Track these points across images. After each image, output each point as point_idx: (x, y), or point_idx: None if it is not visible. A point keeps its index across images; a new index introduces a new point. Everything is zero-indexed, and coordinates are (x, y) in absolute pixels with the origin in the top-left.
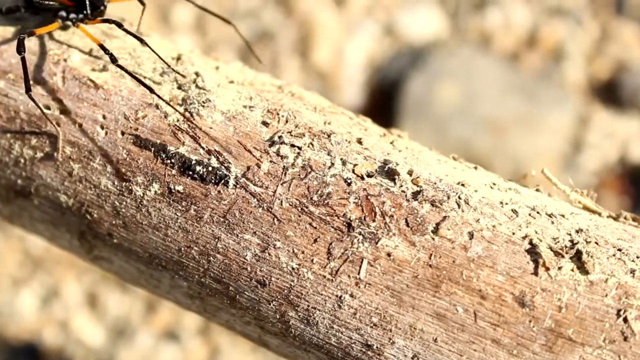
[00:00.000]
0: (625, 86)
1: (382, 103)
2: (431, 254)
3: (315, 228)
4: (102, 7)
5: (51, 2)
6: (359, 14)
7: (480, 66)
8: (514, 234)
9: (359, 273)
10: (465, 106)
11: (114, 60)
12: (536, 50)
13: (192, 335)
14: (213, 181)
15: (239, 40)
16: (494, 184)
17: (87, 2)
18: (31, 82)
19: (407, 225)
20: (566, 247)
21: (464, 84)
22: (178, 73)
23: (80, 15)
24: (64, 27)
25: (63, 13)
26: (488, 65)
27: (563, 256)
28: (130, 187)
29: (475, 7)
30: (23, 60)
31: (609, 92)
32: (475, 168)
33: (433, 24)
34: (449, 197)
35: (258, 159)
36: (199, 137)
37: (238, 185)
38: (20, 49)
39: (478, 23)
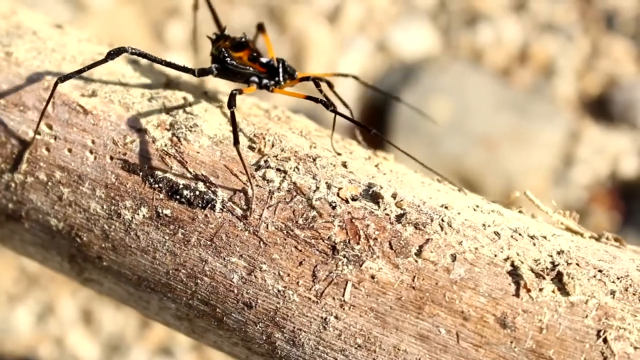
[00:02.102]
0: (616, 101)
1: (375, 119)
2: (414, 276)
3: (301, 251)
4: (295, 75)
5: (245, 68)
6: (351, 30)
7: (472, 82)
8: (496, 256)
9: (343, 295)
10: (457, 122)
11: (328, 105)
12: (527, 66)
13: (186, 351)
14: (200, 205)
15: None
16: (477, 206)
17: (281, 72)
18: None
19: (391, 247)
20: (547, 268)
21: (456, 99)
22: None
23: (272, 82)
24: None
25: (255, 78)
26: (479, 81)
27: (544, 278)
28: (119, 211)
29: (466, 24)
30: (233, 114)
31: (600, 108)
32: (459, 190)
33: (425, 40)
34: (432, 220)
35: (244, 183)
36: (186, 162)
37: (225, 209)
38: (232, 103)
39: (469, 39)
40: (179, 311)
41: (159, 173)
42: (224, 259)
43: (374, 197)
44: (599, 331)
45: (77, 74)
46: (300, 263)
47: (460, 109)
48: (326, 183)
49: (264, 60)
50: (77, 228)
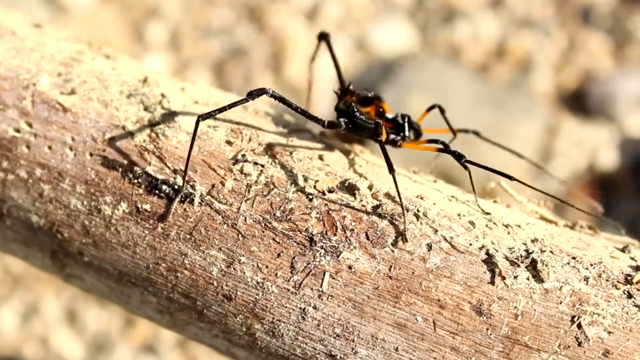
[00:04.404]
0: (593, 95)
1: None
2: (391, 266)
3: (279, 243)
4: (420, 131)
5: (373, 123)
6: (330, 28)
7: (450, 78)
8: (471, 244)
9: (321, 286)
10: (436, 117)
11: (461, 157)
12: (505, 62)
13: (170, 349)
14: (179, 199)
15: (213, 58)
16: (452, 196)
17: (407, 127)
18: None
19: (368, 238)
20: (522, 256)
21: (435, 96)
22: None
23: (399, 137)
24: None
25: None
26: (458, 77)
27: (519, 265)
28: (99, 207)
29: (444, 20)
30: (382, 144)
31: (577, 101)
32: (435, 181)
33: (403, 37)
34: (407, 210)
35: (222, 177)
36: (165, 157)
37: (203, 203)
38: (379, 132)
39: (447, 36)
40: (160, 305)
41: (138, 168)
42: (204, 252)
43: (350, 189)
44: (573, 317)
45: (219, 112)
46: (279, 255)
47: None
48: (303, 176)
49: (389, 115)
50: (58, 224)
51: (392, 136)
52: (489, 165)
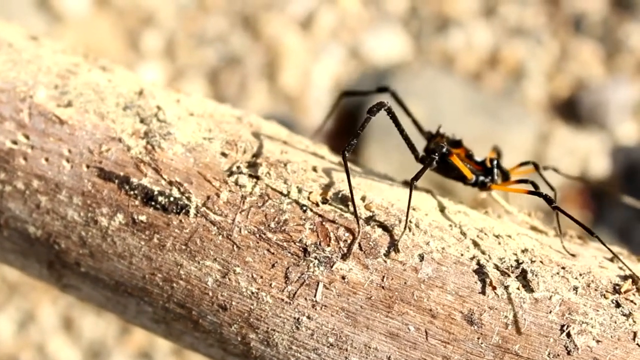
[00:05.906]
0: (584, 103)
1: (349, 124)
2: (383, 276)
3: (273, 254)
4: (508, 174)
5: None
6: (324, 37)
7: (444, 86)
8: (462, 255)
9: (315, 296)
10: (429, 126)
11: (551, 201)
12: (498, 70)
13: (166, 356)
14: (175, 211)
15: (207, 66)
16: (444, 207)
17: (495, 171)
18: None
19: (361, 249)
20: (512, 266)
21: (428, 104)
22: None
23: (487, 179)
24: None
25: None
26: (451, 86)
27: (509, 275)
28: (95, 218)
29: (437, 29)
30: (425, 161)
31: (569, 109)
32: (427, 192)
33: (397, 46)
34: (400, 221)
35: (217, 189)
36: (161, 169)
37: (199, 214)
38: (440, 151)
39: (441, 44)
40: (156, 314)
41: (134, 180)
42: (199, 262)
43: (344, 200)
44: (562, 326)
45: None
46: (273, 265)
47: (433, 113)
48: (297, 187)
49: (478, 159)
50: (55, 235)
51: (480, 178)
52: None
